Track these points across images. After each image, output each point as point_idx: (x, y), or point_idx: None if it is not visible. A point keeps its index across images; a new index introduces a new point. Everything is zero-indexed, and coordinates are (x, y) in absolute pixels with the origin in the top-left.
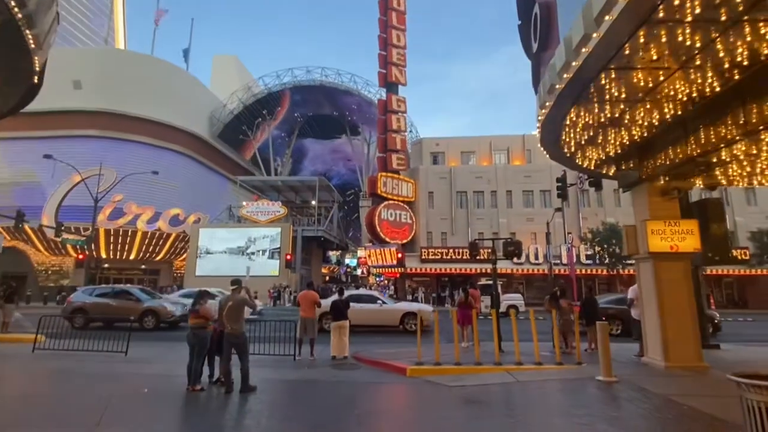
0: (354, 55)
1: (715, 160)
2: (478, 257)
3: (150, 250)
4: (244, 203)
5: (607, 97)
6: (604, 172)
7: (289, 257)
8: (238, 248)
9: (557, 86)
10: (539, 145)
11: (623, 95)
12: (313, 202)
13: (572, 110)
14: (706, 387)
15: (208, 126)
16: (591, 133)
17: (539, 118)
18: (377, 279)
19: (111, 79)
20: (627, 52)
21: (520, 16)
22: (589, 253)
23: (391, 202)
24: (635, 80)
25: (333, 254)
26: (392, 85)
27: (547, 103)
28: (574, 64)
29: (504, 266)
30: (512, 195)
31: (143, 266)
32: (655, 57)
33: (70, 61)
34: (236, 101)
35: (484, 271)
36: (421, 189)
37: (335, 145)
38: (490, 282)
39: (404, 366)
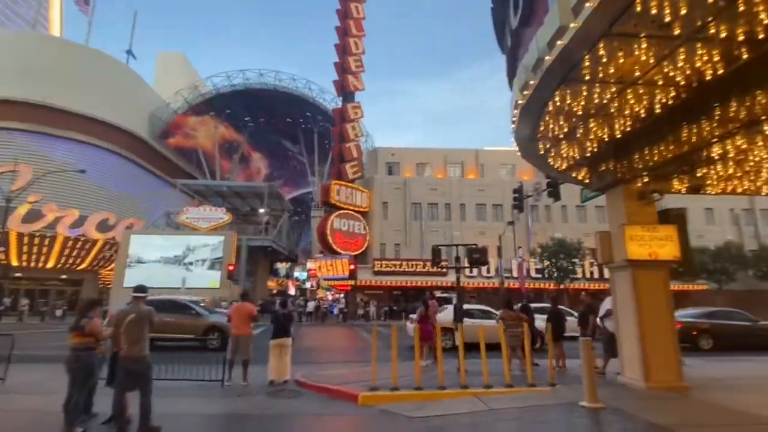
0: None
1: (704, 156)
2: (439, 264)
3: (73, 257)
4: (185, 209)
5: (601, 74)
6: (574, 174)
7: (231, 268)
8: (175, 257)
9: (546, 58)
10: (512, 139)
11: (619, 72)
12: (261, 210)
13: (557, 93)
14: (702, 413)
15: (149, 125)
16: (571, 125)
17: (519, 102)
18: (327, 292)
19: (37, 68)
20: (638, 8)
21: None
22: (538, 267)
23: (344, 211)
24: (637, 53)
25: (282, 266)
26: (348, 93)
27: (531, 82)
28: (572, 26)
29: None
30: (466, 208)
31: (63, 276)
32: (667, 19)
33: None
34: (181, 100)
35: (438, 284)
36: (376, 199)
37: (288, 152)
38: (446, 295)
39: (355, 392)
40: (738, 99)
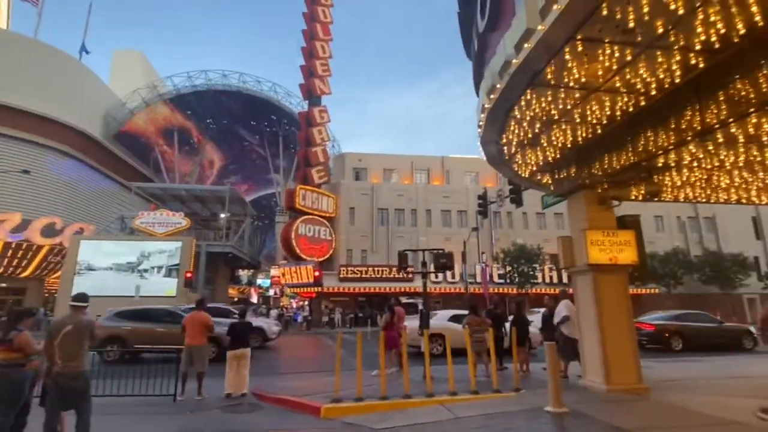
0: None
1: (660, 164)
2: (406, 270)
3: (14, 264)
4: (139, 213)
5: (566, 79)
6: (537, 180)
7: (189, 275)
8: (128, 264)
9: (513, 61)
10: (479, 144)
11: (583, 78)
12: (223, 215)
13: (523, 98)
14: (662, 415)
15: (103, 125)
16: (536, 130)
17: (485, 106)
18: (292, 299)
19: None
20: (604, 12)
21: (461, 3)
22: (501, 272)
23: (309, 217)
24: (600, 58)
25: (244, 274)
26: (315, 97)
27: (498, 86)
28: (539, 28)
29: (421, 285)
30: (431, 214)
31: (3, 284)
32: (631, 24)
33: None
34: (138, 100)
35: (403, 290)
36: (342, 204)
37: (251, 156)
38: (412, 300)
39: (317, 405)
40: (692, 108)
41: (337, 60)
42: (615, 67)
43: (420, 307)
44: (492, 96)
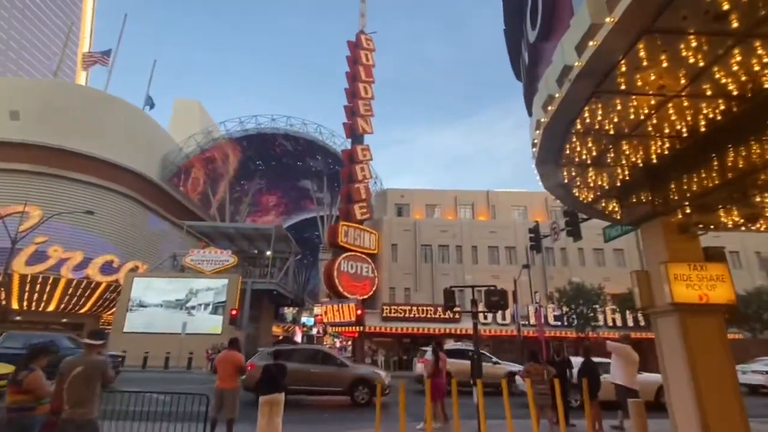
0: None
1: (760, 181)
2: (453, 308)
3: (74, 300)
4: (190, 251)
5: (639, 82)
6: (601, 207)
7: (234, 312)
8: (177, 301)
9: (575, 65)
10: (534, 165)
11: (660, 81)
12: (268, 253)
13: (586, 109)
14: None
15: (161, 169)
16: (601, 148)
17: (541, 121)
18: (335, 339)
19: (54, 113)
20: None
21: (507, 18)
22: (556, 313)
23: (352, 253)
24: (684, 53)
25: (288, 311)
26: (358, 135)
27: (556, 95)
28: (607, 21)
29: (469, 326)
30: (477, 250)
31: (64, 320)
32: (725, 6)
33: (10, 91)
34: (194, 145)
35: (450, 331)
36: (385, 241)
37: (297, 196)
38: (460, 344)
39: None
40: None
41: (382, 102)
42: (702, 64)
43: (470, 351)
44: (550, 108)
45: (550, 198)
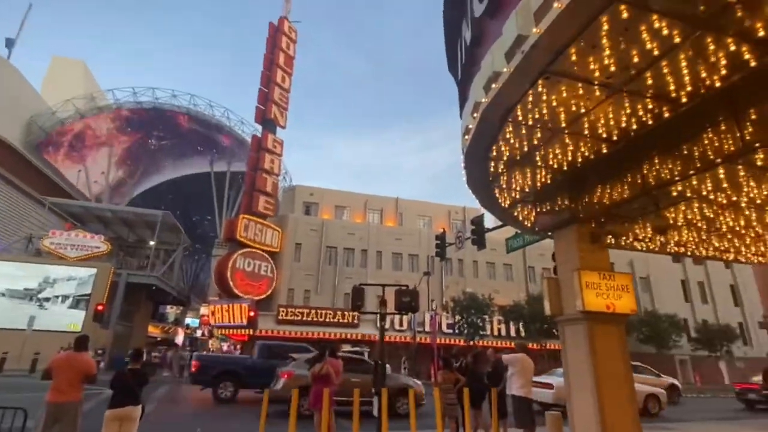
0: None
1: (675, 193)
2: (360, 308)
3: None
4: (50, 232)
5: (592, 66)
6: (516, 211)
7: (100, 308)
8: (26, 291)
9: (534, 30)
10: (462, 156)
11: (612, 68)
12: (152, 243)
13: (532, 89)
14: None
15: (24, 133)
16: (534, 142)
17: (482, 102)
18: (223, 342)
19: None
20: None
21: None
22: (449, 322)
23: (251, 250)
24: (642, 37)
25: (171, 311)
26: (270, 122)
27: (504, 70)
28: None
29: (367, 332)
30: (382, 256)
31: None
32: None
33: None
34: (72, 110)
35: (347, 336)
36: (288, 239)
37: (193, 182)
38: (357, 350)
39: None
40: (727, 122)
41: (295, 104)
42: (656, 53)
43: (366, 356)
44: (494, 86)
45: (453, 211)
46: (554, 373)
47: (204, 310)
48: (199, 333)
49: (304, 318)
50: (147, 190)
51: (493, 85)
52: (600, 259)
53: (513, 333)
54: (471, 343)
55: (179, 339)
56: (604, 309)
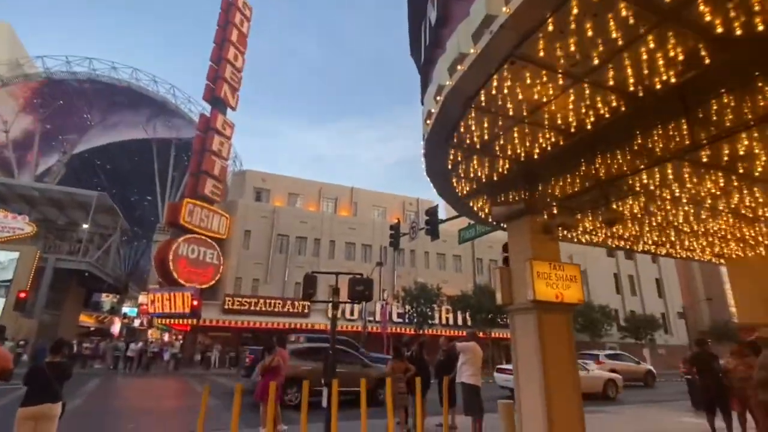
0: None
1: (625, 187)
2: (312, 296)
3: None
4: None
5: (558, 52)
6: (472, 203)
7: (23, 295)
8: None
9: (504, 9)
10: (422, 142)
11: (577, 56)
12: (85, 226)
13: (497, 74)
14: None
15: None
16: (494, 130)
17: (446, 85)
18: (164, 332)
19: None
20: None
21: None
22: (400, 311)
23: (195, 236)
24: (608, 25)
25: (107, 299)
26: (220, 102)
27: (471, 52)
28: None
29: (318, 321)
30: (335, 245)
31: None
32: None
33: None
34: None
35: (297, 326)
36: (237, 226)
37: (131, 155)
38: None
39: None
40: (677, 119)
41: (249, 89)
42: (620, 42)
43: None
44: (459, 67)
45: (408, 202)
46: None
47: (143, 298)
48: (137, 323)
49: (252, 308)
50: (81, 166)
51: (459, 67)
52: (551, 250)
53: (460, 322)
54: (420, 332)
55: (115, 329)
56: (554, 298)
